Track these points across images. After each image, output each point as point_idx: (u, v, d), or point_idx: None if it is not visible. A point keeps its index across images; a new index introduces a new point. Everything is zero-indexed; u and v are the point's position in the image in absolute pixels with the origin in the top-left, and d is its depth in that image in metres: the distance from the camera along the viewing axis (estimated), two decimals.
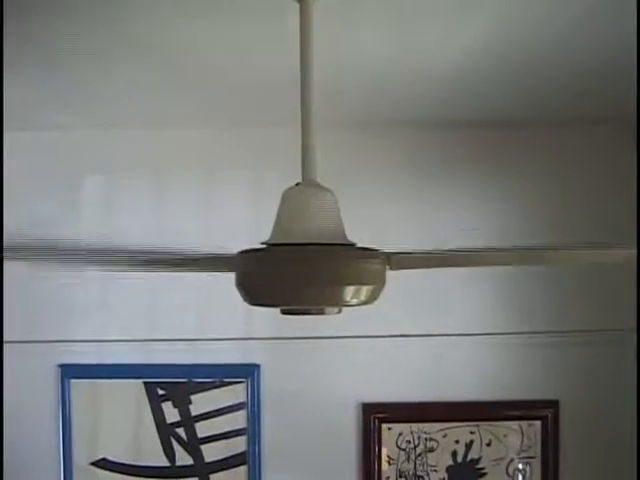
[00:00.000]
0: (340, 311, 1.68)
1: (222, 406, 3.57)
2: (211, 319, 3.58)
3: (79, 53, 2.41)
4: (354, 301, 1.57)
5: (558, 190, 3.51)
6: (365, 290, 1.58)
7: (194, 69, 2.65)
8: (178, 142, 3.54)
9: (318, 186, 1.66)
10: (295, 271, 1.53)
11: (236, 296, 3.51)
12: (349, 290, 1.55)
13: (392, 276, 3.28)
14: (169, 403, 3.57)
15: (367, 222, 2.92)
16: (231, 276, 3.26)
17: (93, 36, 2.26)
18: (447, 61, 2.55)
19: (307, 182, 1.66)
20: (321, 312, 1.63)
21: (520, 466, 3.59)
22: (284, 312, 1.68)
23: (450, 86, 2.87)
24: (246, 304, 3.38)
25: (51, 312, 3.56)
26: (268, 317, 3.55)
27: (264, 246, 1.62)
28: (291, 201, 1.65)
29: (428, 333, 3.53)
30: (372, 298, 1.62)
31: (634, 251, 1.74)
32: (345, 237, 1.65)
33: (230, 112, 3.29)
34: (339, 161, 3.28)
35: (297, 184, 1.67)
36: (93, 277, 3.60)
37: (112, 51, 2.40)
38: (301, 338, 3.53)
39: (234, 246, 1.71)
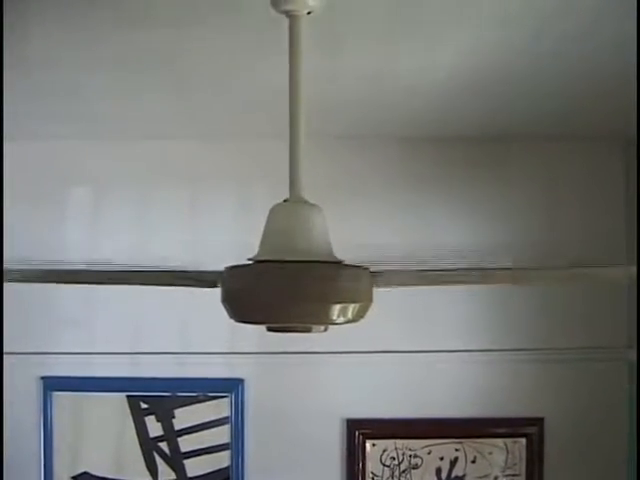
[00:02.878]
0: (326, 329, 1.66)
1: (206, 420, 3.54)
2: (196, 333, 3.55)
3: (64, 64, 2.39)
4: (340, 319, 1.55)
5: (548, 205, 3.51)
6: (352, 308, 1.56)
7: (182, 81, 2.64)
8: (164, 154, 3.51)
9: (306, 203, 1.65)
10: (281, 288, 1.51)
11: (221, 310, 3.50)
12: (336, 308, 1.54)
13: (379, 292, 3.26)
14: (152, 417, 3.55)
15: (354, 237, 2.89)
16: (217, 291, 3.24)
17: (78, 47, 2.24)
18: (435, 76, 2.55)
19: (295, 198, 1.64)
20: (307, 330, 1.61)
21: None
22: (270, 329, 1.66)
23: (438, 101, 2.87)
24: (229, 318, 3.37)
25: (34, 324, 3.52)
26: (253, 332, 3.51)
27: (251, 262, 1.60)
28: (278, 217, 1.63)
29: (414, 349, 3.52)
30: (359, 316, 1.60)
31: (634, 268, 1.73)
32: (332, 254, 1.63)
33: (218, 124, 3.28)
34: (326, 175, 3.26)
35: (285, 200, 1.65)
36: (77, 290, 3.56)
37: (99, 62, 2.38)
38: (286, 353, 3.51)
39: (220, 261, 1.69)
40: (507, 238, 3.46)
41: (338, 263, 1.62)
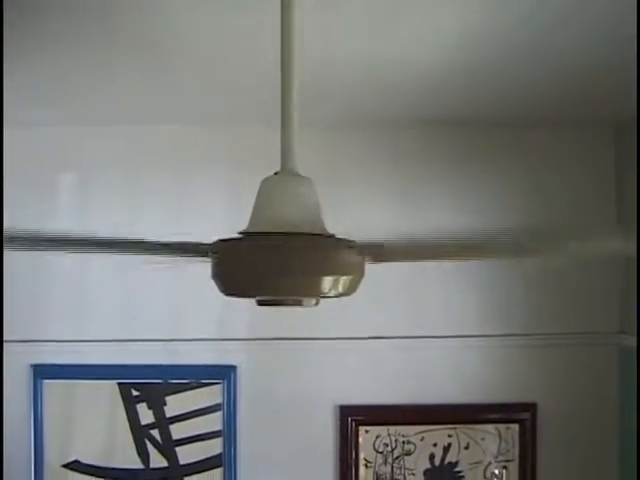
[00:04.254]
0: (317, 303, 1.64)
1: (198, 408, 3.52)
2: (187, 319, 3.53)
3: (53, 48, 2.36)
4: (332, 292, 1.53)
5: (539, 191, 3.49)
6: (343, 281, 1.54)
7: (172, 64, 2.62)
8: (154, 138, 3.48)
9: (297, 175, 1.63)
10: (272, 260, 1.49)
11: (213, 296, 3.47)
12: (327, 281, 1.52)
13: (371, 278, 3.24)
14: (144, 404, 3.52)
15: (346, 219, 2.87)
16: (208, 275, 3.22)
17: (67, 31, 2.22)
18: (429, 58, 2.53)
19: (286, 171, 1.62)
20: (298, 303, 1.59)
21: (497, 470, 3.55)
22: (260, 303, 1.64)
23: (429, 86, 2.86)
24: (223, 304, 3.35)
25: (24, 311, 3.49)
26: (245, 317, 3.54)
27: (240, 235, 1.58)
28: (269, 190, 1.61)
29: (407, 335, 3.50)
30: (350, 290, 1.58)
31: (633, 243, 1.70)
32: (324, 227, 1.61)
33: (206, 109, 3.25)
34: (319, 159, 3.23)
35: (276, 173, 1.63)
36: (68, 277, 3.55)
37: (86, 47, 2.36)
38: (279, 339, 3.50)
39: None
40: (500, 222, 3.44)
41: (329, 236, 1.60)
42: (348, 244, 1.57)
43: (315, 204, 1.61)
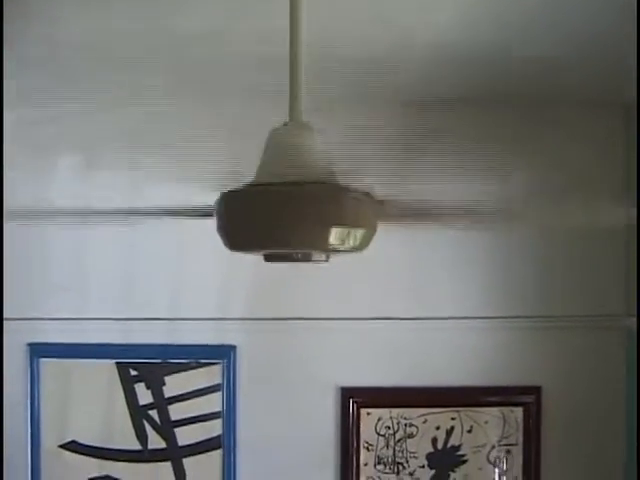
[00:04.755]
0: (328, 259, 1.58)
1: (197, 388, 3.46)
2: (187, 299, 3.48)
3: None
4: (343, 246, 1.47)
5: (547, 168, 3.43)
6: (354, 234, 1.48)
7: (169, 40, 2.56)
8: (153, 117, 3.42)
9: (306, 126, 1.57)
10: (280, 211, 1.43)
11: (213, 275, 3.42)
12: (337, 232, 1.46)
13: (373, 257, 3.19)
14: (142, 384, 3.47)
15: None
16: (209, 253, 3.17)
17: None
18: (428, 37, 2.48)
19: (295, 122, 1.56)
20: (307, 258, 1.53)
21: (501, 454, 3.50)
22: (267, 259, 1.58)
23: (434, 62, 2.80)
24: (223, 282, 3.29)
25: (20, 288, 3.42)
26: (246, 297, 3.48)
27: (248, 186, 1.52)
28: (277, 140, 1.55)
29: (410, 316, 3.44)
30: (362, 244, 1.52)
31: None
32: (334, 178, 1.55)
33: (209, 82, 3.19)
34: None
35: (285, 124, 1.57)
36: (66, 253, 3.49)
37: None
38: (280, 319, 3.45)
39: None
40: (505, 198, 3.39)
41: (340, 187, 1.54)
42: (361, 195, 1.51)
43: (325, 154, 1.55)
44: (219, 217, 1.51)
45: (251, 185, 1.51)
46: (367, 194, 1.52)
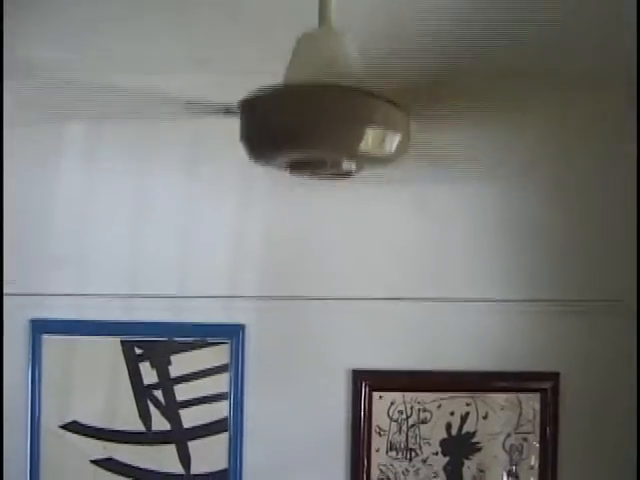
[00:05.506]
0: (358, 170, 1.46)
1: (203, 368, 3.33)
2: (195, 275, 3.37)
3: None
4: (375, 151, 1.36)
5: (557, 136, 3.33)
6: (388, 138, 1.37)
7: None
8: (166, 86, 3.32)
9: (338, 31, 1.47)
10: (312, 111, 1.33)
11: (222, 251, 3.31)
12: (369, 134, 1.35)
13: (388, 234, 3.09)
14: (147, 363, 3.35)
15: None
16: (217, 225, 3.07)
17: None
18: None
19: (325, 27, 1.46)
20: (337, 165, 1.42)
21: (517, 442, 3.37)
22: (293, 170, 1.47)
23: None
24: (233, 258, 3.19)
25: (23, 263, 3.33)
26: (256, 274, 3.38)
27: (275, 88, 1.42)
28: (308, 43, 1.45)
29: (425, 297, 3.33)
30: (396, 154, 1.41)
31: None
32: (365, 84, 1.45)
33: (220, 53, 3.10)
34: None
35: (315, 28, 1.48)
36: (70, 227, 3.40)
37: None
38: (290, 298, 3.35)
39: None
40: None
41: (374, 91, 1.43)
42: (392, 103, 1.41)
43: (356, 59, 1.45)
44: (244, 120, 1.41)
45: (279, 87, 1.41)
46: (402, 101, 1.41)
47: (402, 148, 1.44)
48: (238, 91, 1.54)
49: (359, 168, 1.45)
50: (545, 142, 3.30)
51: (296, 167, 1.48)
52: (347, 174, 1.47)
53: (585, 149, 3.35)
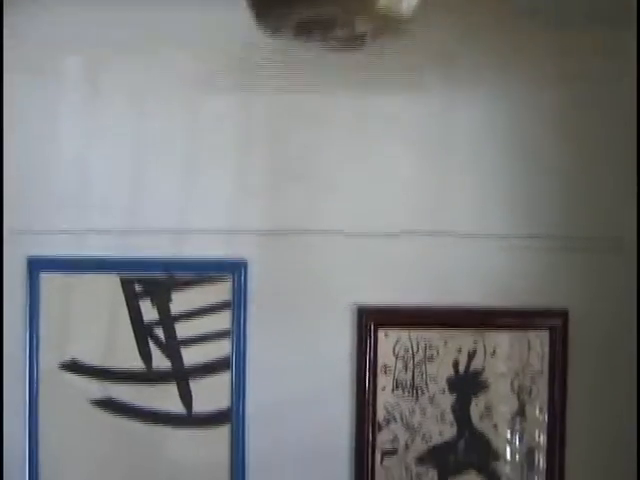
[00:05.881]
0: (371, 36, 1.37)
1: (205, 305, 3.25)
2: (195, 209, 3.29)
3: None
4: (393, 5, 1.26)
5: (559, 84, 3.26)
6: None
7: None
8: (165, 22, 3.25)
9: None
10: None
11: (224, 184, 3.23)
12: None
13: (391, 168, 3.01)
14: (147, 300, 3.27)
15: None
16: (219, 155, 2.98)
17: None
18: None
19: None
20: (350, 23, 1.32)
21: (525, 382, 3.30)
22: (299, 32, 1.38)
23: None
24: (235, 190, 3.11)
25: (20, 199, 3.25)
26: (259, 207, 3.30)
27: None
28: None
29: (431, 231, 3.26)
30: (412, 15, 1.31)
31: None
32: None
33: None
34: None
35: None
36: (67, 161, 3.32)
37: None
38: (294, 232, 3.27)
39: None
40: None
41: None
42: None
43: None
44: None
45: None
46: None
47: (418, 7, 1.35)
48: None
49: (372, 34, 1.35)
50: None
51: (304, 30, 1.38)
52: (359, 41, 1.38)
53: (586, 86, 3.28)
